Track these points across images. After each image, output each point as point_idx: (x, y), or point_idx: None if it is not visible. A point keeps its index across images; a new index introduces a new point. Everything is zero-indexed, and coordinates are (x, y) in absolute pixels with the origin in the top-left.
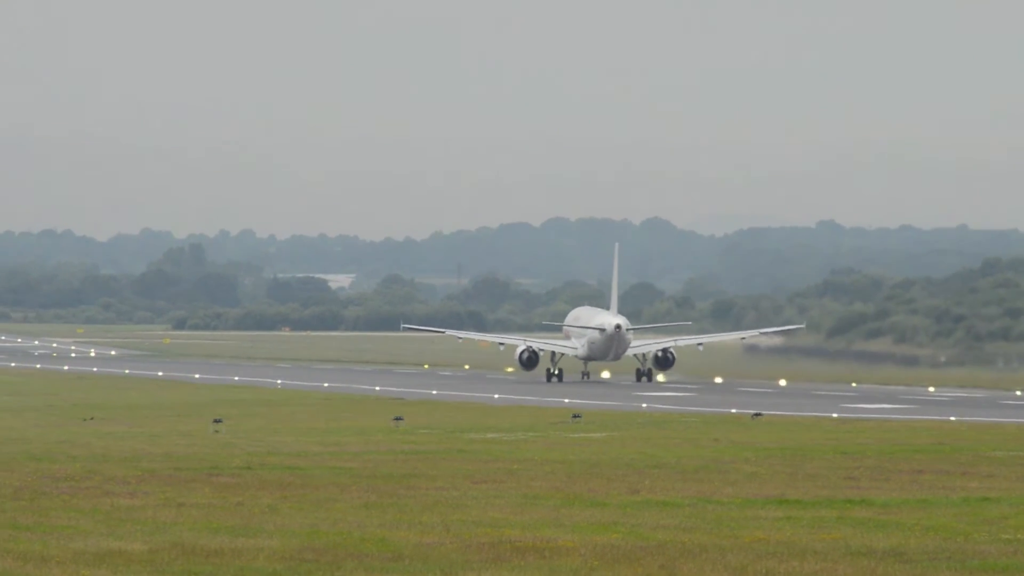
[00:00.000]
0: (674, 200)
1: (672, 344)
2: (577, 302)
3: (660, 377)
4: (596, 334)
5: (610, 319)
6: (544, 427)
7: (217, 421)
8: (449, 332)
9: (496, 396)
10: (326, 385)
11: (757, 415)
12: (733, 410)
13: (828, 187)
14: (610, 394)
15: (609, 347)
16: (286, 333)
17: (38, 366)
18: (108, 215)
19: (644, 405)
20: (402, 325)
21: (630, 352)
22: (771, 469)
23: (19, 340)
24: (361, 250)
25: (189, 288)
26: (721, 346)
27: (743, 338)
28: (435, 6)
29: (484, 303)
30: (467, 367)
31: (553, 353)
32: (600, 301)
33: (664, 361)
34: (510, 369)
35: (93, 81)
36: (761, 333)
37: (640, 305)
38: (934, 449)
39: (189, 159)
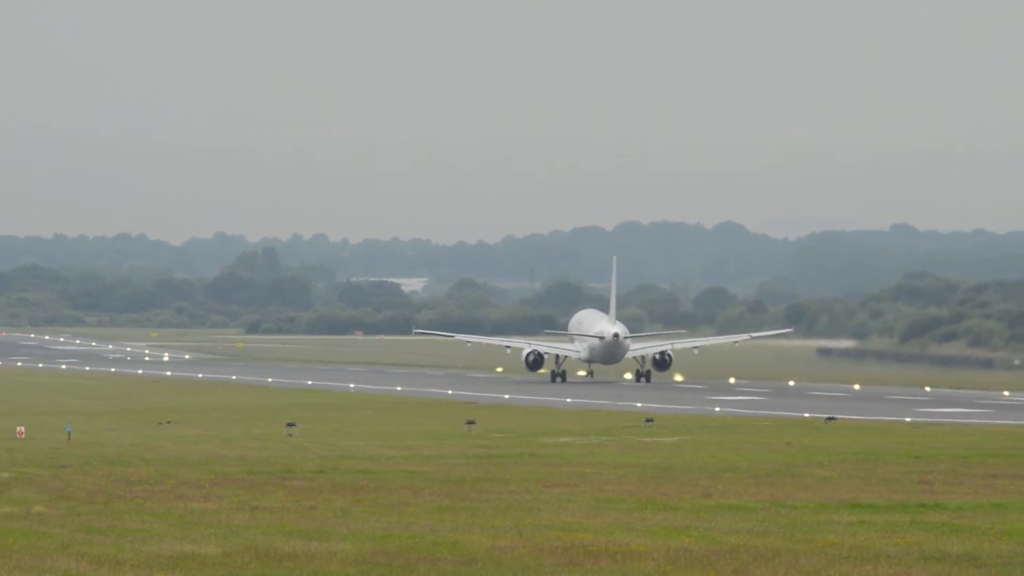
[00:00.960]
0: (747, 203)
1: (669, 347)
2: (650, 306)
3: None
4: (596, 341)
5: (609, 328)
6: (617, 431)
7: (290, 425)
8: (458, 336)
9: (568, 400)
10: (399, 389)
11: (830, 419)
12: (806, 414)
13: (902, 190)
14: (681, 398)
15: (608, 353)
16: (359, 337)
17: (112, 370)
18: (182, 219)
19: (717, 409)
20: (414, 330)
21: (630, 354)
22: (844, 473)
23: (93, 344)
24: (434, 254)
25: (262, 292)
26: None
27: (735, 342)
28: (496, 7)
29: (557, 307)
30: (499, 369)
31: (557, 356)
32: (673, 305)
33: (662, 363)
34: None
35: (168, 85)
36: (752, 337)
37: (712, 309)
38: (1009, 453)
39: (263, 163)
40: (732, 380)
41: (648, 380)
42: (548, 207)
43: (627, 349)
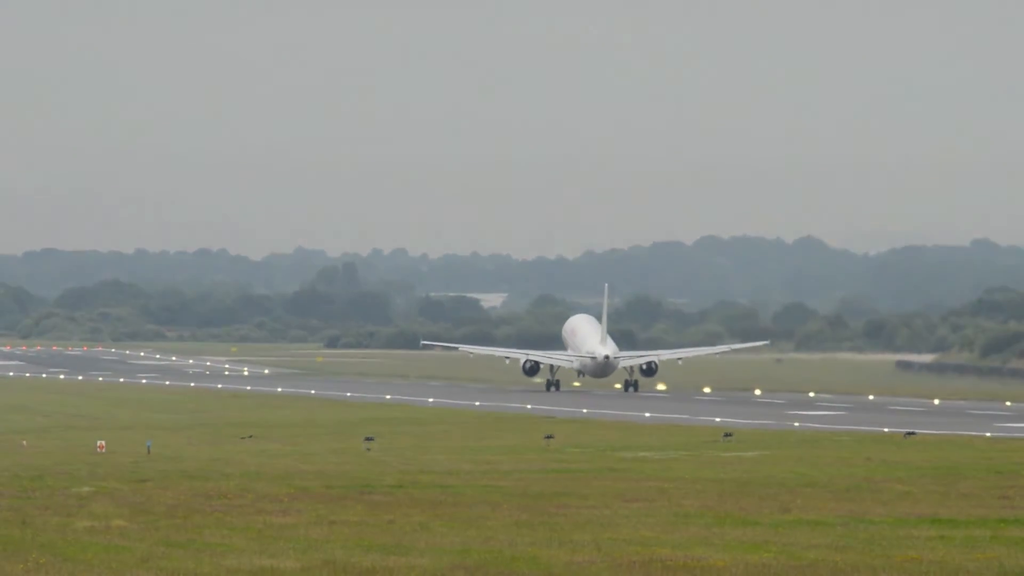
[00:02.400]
0: (827, 218)
1: (655, 357)
2: (730, 322)
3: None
4: (588, 360)
5: (600, 349)
6: (696, 445)
7: (369, 439)
8: (462, 348)
9: (647, 415)
10: (477, 404)
11: (910, 434)
12: (885, 429)
13: (982, 205)
14: (760, 412)
15: (599, 371)
16: (438, 352)
17: (192, 384)
18: (262, 234)
19: (796, 424)
20: (422, 342)
21: (619, 364)
22: (924, 488)
23: (174, 359)
24: (513, 269)
25: (342, 307)
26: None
27: (716, 354)
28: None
29: (636, 322)
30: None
31: (551, 366)
32: (753, 320)
33: (648, 371)
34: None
35: (245, 100)
36: (732, 349)
37: (792, 324)
38: None
39: (342, 178)
40: (812, 394)
41: (636, 389)
42: (628, 222)
43: (616, 368)
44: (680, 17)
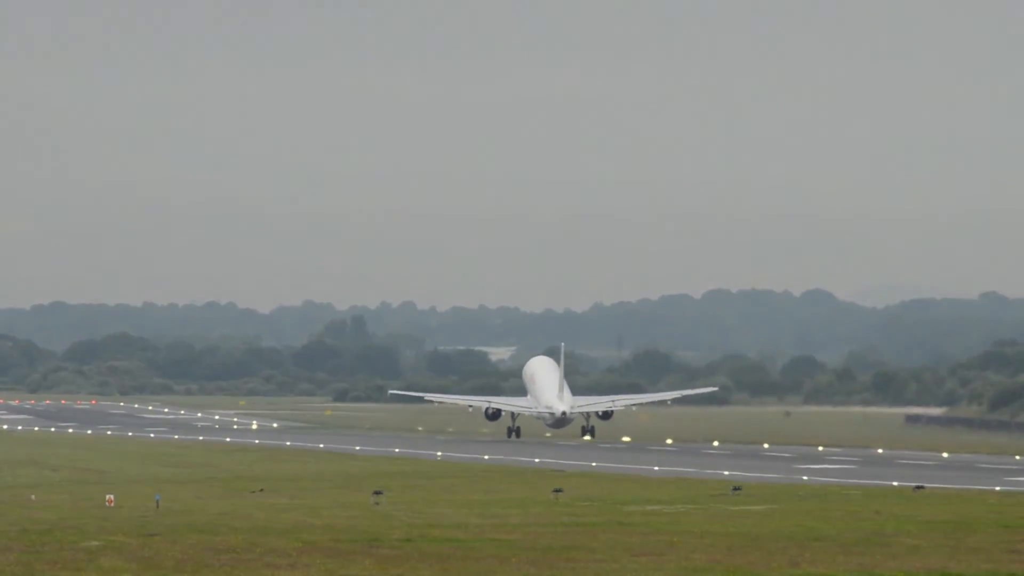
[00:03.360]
0: (835, 271)
1: (610, 405)
2: (738, 375)
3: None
4: (547, 413)
5: (558, 405)
6: (705, 499)
7: (377, 493)
8: (427, 396)
9: (655, 468)
10: (486, 457)
11: (919, 488)
12: (895, 482)
13: (991, 258)
14: (769, 466)
15: (557, 424)
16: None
17: (201, 438)
18: (271, 287)
19: (805, 477)
20: (389, 392)
21: (577, 410)
22: (933, 542)
23: (182, 412)
24: (521, 322)
25: (350, 360)
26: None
27: (668, 402)
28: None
29: (645, 375)
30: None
31: (512, 413)
32: (761, 373)
33: (606, 415)
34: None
35: (256, 152)
36: (682, 395)
37: (800, 378)
38: None
39: (350, 231)
40: (820, 448)
41: (593, 435)
42: (636, 275)
43: (571, 421)
44: (684, 71)
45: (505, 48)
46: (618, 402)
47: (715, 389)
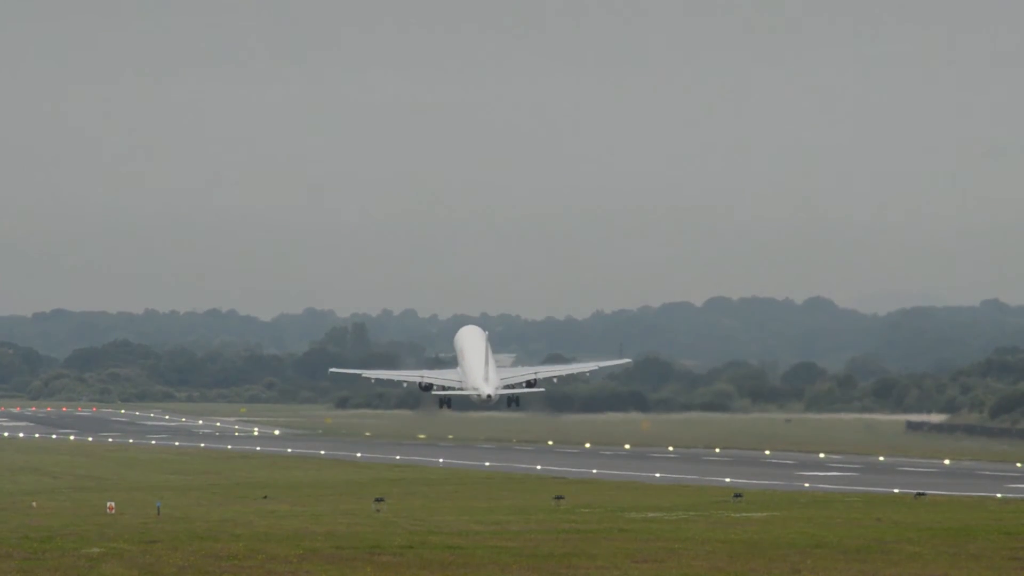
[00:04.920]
0: (836, 279)
1: (533, 375)
2: (739, 382)
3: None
4: (475, 394)
5: (485, 388)
6: (706, 506)
7: (379, 500)
8: (365, 373)
9: (657, 475)
10: (487, 464)
11: (920, 495)
12: (896, 490)
13: (992, 266)
14: (770, 473)
15: (484, 402)
16: (447, 413)
17: (202, 445)
18: (272, 295)
19: (807, 484)
20: (330, 370)
21: (502, 382)
22: (934, 549)
23: (183, 419)
24: (522, 329)
25: (352, 368)
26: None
27: (586, 372)
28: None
29: (646, 383)
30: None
31: (444, 387)
32: (762, 381)
33: (530, 385)
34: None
35: (257, 160)
36: (599, 367)
37: (801, 384)
38: None
39: (352, 238)
40: (822, 455)
41: (518, 404)
42: (637, 282)
43: (497, 399)
44: (684, 77)
45: (507, 53)
46: (540, 373)
47: (628, 361)
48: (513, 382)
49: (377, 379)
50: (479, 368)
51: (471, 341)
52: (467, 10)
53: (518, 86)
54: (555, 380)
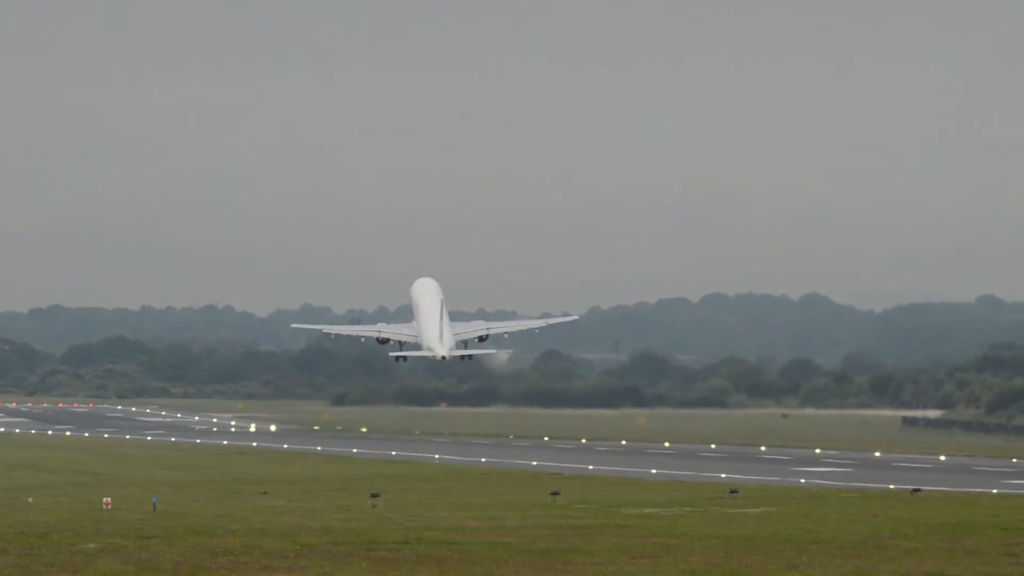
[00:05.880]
0: (832, 275)
1: (485, 330)
2: (736, 378)
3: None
4: (429, 353)
5: (439, 349)
6: (702, 502)
7: (375, 496)
8: (325, 328)
9: (653, 471)
10: (483, 460)
11: (916, 490)
12: (892, 485)
13: (987, 261)
14: (766, 469)
15: (439, 361)
16: (443, 408)
17: (198, 441)
18: (268, 291)
19: (802, 480)
20: (292, 325)
21: (456, 338)
22: (930, 545)
23: (179, 415)
24: None
25: (348, 364)
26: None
27: (535, 330)
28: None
29: (642, 379)
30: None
31: (400, 342)
32: (759, 376)
33: (482, 339)
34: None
35: (253, 156)
36: (548, 324)
37: (798, 380)
38: None
39: (348, 234)
40: (817, 451)
41: (471, 358)
42: (633, 279)
43: (451, 357)
44: (678, 73)
45: (498, 49)
46: (492, 328)
47: (576, 317)
48: (467, 338)
49: (337, 334)
50: (434, 327)
51: (426, 296)
52: (448, 7)
53: (509, 81)
54: (506, 335)
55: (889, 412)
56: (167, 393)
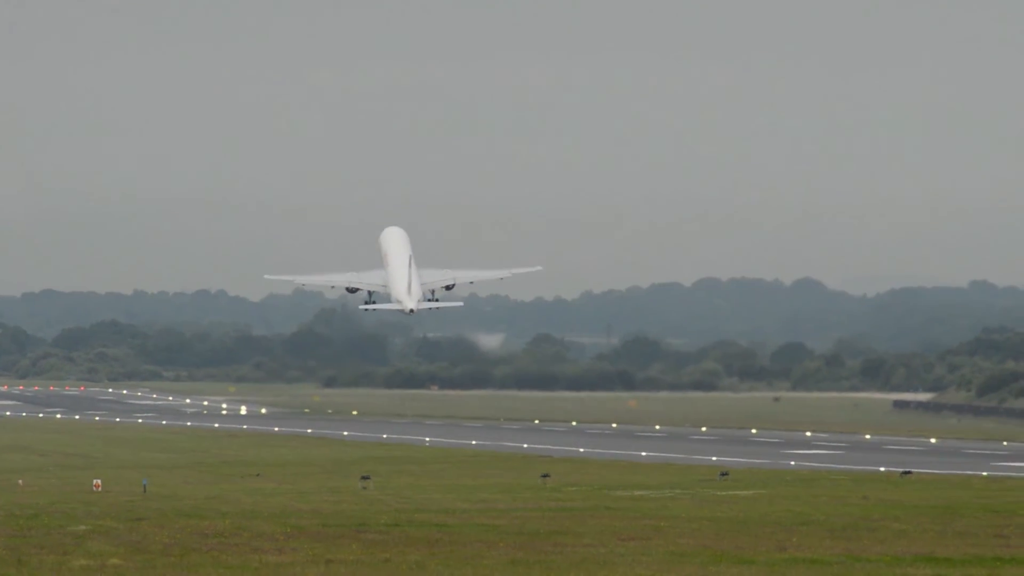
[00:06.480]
0: (825, 260)
1: (452, 280)
2: (728, 361)
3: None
4: (396, 305)
5: (407, 303)
6: (692, 484)
7: (365, 478)
8: (297, 279)
9: (644, 454)
10: (474, 443)
11: (906, 473)
12: (882, 468)
13: (980, 246)
14: (756, 451)
15: (405, 315)
16: (434, 391)
17: (189, 424)
18: (261, 275)
19: (792, 463)
20: (264, 276)
21: (423, 288)
22: (920, 527)
23: (171, 398)
24: (511, 309)
25: (340, 348)
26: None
27: (500, 277)
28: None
29: (634, 362)
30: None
31: (369, 292)
32: (751, 360)
33: (448, 288)
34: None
35: (243, 144)
36: (511, 274)
37: (790, 364)
38: None
39: (340, 221)
40: (808, 433)
41: (438, 302)
42: (626, 263)
43: (419, 308)
44: (673, 60)
45: (490, 40)
46: (458, 278)
47: (540, 268)
48: (434, 287)
49: (309, 284)
50: (402, 279)
51: (395, 246)
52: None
53: (501, 69)
54: (471, 283)
55: (880, 395)
56: (159, 377)
